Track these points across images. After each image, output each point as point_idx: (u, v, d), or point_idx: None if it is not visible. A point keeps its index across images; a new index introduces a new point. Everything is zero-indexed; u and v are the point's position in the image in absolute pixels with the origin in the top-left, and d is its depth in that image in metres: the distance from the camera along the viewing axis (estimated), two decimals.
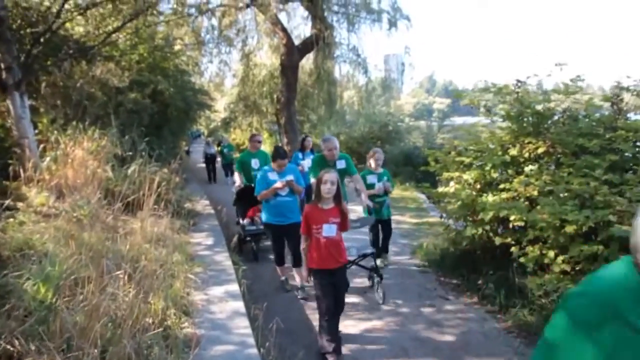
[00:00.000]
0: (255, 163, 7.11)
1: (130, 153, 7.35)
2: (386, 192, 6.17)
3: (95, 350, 2.46)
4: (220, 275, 5.20)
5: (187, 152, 22.05)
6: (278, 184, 5.13)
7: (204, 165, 17.06)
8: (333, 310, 3.83)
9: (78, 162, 6.67)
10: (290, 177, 5.25)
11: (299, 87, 18.63)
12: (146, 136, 8.11)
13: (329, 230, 3.73)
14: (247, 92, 20.32)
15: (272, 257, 5.95)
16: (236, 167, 7.37)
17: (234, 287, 4.80)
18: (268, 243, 6.77)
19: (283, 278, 5.64)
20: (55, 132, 7.26)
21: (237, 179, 7.23)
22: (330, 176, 3.66)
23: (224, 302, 4.37)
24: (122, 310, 2.98)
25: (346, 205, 3.96)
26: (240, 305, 4.34)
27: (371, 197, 5.77)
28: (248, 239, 6.85)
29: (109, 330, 2.77)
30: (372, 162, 6.24)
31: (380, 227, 6.23)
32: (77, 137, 7.30)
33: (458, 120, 31.28)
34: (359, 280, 5.75)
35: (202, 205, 9.68)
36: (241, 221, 7.02)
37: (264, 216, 5.42)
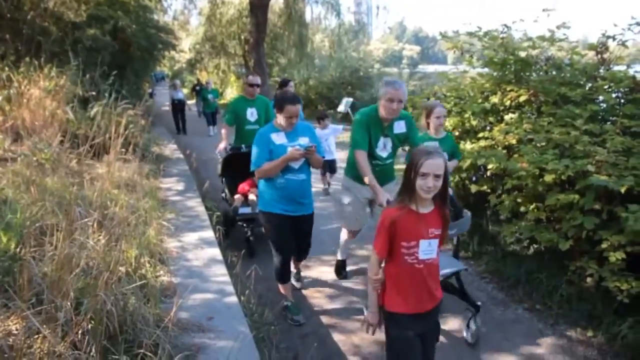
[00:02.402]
0: (251, 114, 5.42)
1: (93, 93, 6.90)
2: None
3: (69, 303, 2.32)
4: (194, 221, 5.07)
5: (151, 95, 21.11)
6: (294, 153, 3.33)
7: (168, 109, 15.30)
8: None
9: (35, 102, 6.23)
10: (305, 141, 3.48)
11: (269, 28, 17.91)
12: (108, 76, 7.62)
13: (428, 249, 2.25)
14: (213, 32, 19.46)
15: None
16: (225, 119, 5.60)
17: (209, 234, 4.69)
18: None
19: (287, 303, 3.73)
20: (7, 69, 6.72)
21: (223, 137, 5.56)
22: (435, 163, 2.10)
23: (200, 249, 4.27)
24: (94, 260, 2.83)
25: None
26: (216, 252, 4.25)
27: None
28: (241, 224, 4.99)
29: (82, 281, 2.62)
30: (430, 123, 4.29)
31: None
32: (32, 75, 6.79)
33: (429, 68, 31.08)
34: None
35: (170, 149, 9.39)
36: (229, 198, 5.34)
37: (264, 201, 3.61)
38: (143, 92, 14.87)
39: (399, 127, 3.82)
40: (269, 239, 3.70)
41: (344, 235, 4.32)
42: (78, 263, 2.63)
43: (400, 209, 2.24)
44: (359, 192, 3.95)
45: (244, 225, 4.93)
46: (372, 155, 3.74)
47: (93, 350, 2.29)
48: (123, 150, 5.35)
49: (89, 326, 2.35)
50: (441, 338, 2.68)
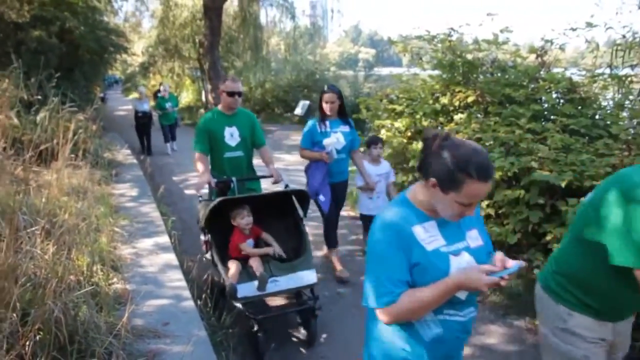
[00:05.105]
0: (231, 135, 3.86)
1: (39, 97, 6.65)
2: None
3: (14, 315, 2.24)
4: (148, 227, 4.97)
5: (103, 99, 20.46)
6: (485, 279, 1.44)
7: (122, 114, 14.60)
8: None
9: None
10: (474, 238, 1.63)
11: (223, 31, 17.75)
12: (56, 80, 7.35)
13: None
14: (167, 34, 19.08)
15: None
16: (195, 144, 3.85)
17: (164, 239, 4.62)
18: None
19: None
20: None
21: (201, 171, 3.72)
22: None
23: (155, 255, 4.20)
24: (42, 269, 2.73)
25: None
26: (172, 257, 4.19)
27: None
28: (244, 310, 3.17)
29: (29, 291, 2.53)
30: None
31: None
32: None
33: (384, 70, 31.67)
34: None
35: (124, 154, 9.14)
36: (220, 268, 3.30)
37: None
38: (94, 96, 14.38)
39: None
40: None
41: None
42: (24, 272, 2.54)
43: None
44: (594, 333, 1.92)
45: (248, 313, 3.14)
46: None
47: None
48: (72, 156, 5.18)
49: (37, 337, 2.28)
50: None
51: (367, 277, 1.57)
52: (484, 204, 4.41)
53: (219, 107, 3.98)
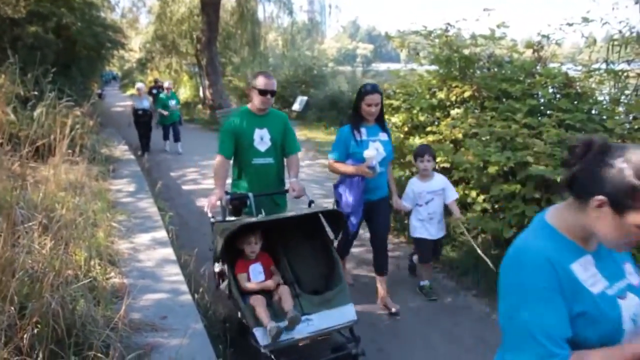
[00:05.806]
0: (261, 139, 3.37)
1: (36, 93, 6.64)
2: None
3: (12, 308, 2.25)
4: (146, 222, 4.98)
5: (100, 96, 20.41)
6: None
7: (119, 109, 14.48)
8: None
9: None
10: (631, 271, 1.32)
11: (221, 26, 17.72)
12: (53, 75, 7.34)
13: None
14: (164, 30, 19.07)
15: None
16: (220, 147, 3.35)
17: (162, 234, 4.63)
18: None
19: None
20: None
21: (217, 180, 3.30)
22: None
23: (152, 250, 4.22)
24: (39, 263, 2.75)
25: None
26: (169, 252, 4.20)
27: None
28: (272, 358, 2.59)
29: (26, 285, 2.54)
30: None
31: None
32: None
33: (381, 66, 31.66)
34: None
35: (121, 150, 9.15)
36: (240, 304, 2.77)
37: None
38: (91, 92, 14.33)
39: None
40: None
41: None
42: (22, 266, 2.55)
43: None
44: None
45: None
46: None
47: (40, 354, 2.23)
48: (70, 151, 5.18)
49: (35, 330, 2.29)
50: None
51: (514, 332, 1.21)
52: (480, 198, 4.43)
53: (248, 106, 3.43)
